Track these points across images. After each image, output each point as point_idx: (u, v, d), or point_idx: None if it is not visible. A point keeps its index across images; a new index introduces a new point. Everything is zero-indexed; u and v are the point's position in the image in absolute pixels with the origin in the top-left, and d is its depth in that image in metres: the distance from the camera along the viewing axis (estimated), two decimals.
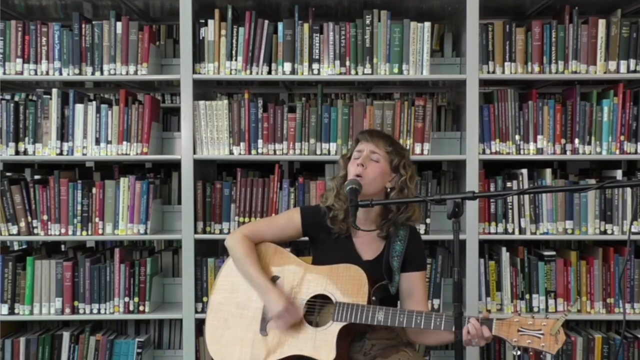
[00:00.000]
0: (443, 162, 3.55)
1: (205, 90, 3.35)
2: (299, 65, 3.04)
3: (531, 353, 3.08)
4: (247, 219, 3.06)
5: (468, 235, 3.01)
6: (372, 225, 2.34)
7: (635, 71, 3.03)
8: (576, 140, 3.05)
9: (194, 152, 3.05)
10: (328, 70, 3.03)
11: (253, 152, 3.06)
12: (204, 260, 3.09)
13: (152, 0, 3.28)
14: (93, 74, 3.06)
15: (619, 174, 3.08)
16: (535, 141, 3.05)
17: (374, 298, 2.23)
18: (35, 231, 3.06)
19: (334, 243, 2.37)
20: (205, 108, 3.05)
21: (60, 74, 3.07)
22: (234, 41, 3.05)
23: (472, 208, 2.99)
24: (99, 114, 3.06)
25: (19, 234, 3.06)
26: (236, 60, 3.05)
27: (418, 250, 2.37)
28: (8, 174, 3.44)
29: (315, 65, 3.03)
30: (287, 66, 3.04)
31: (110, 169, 3.46)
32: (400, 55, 3.01)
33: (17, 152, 3.07)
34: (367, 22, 3.01)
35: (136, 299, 3.05)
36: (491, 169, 3.23)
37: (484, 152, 3.05)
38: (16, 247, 3.55)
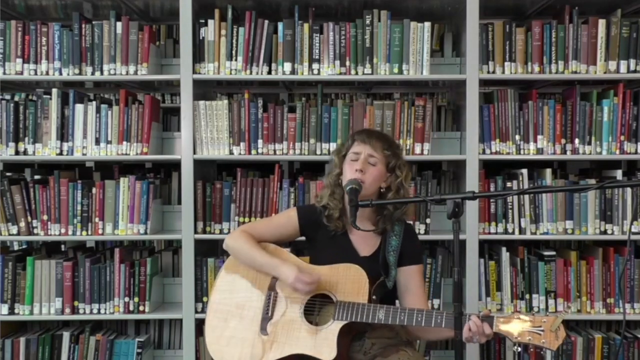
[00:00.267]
0: (443, 162, 3.56)
1: (205, 90, 3.35)
2: (299, 65, 3.04)
3: (531, 350, 3.08)
4: (247, 219, 3.06)
5: (468, 235, 3.01)
6: (367, 222, 2.37)
7: (635, 71, 3.03)
8: (576, 140, 3.05)
9: (194, 152, 3.05)
10: (328, 70, 3.03)
11: (253, 152, 3.06)
12: (204, 260, 3.09)
13: (152, 0, 3.28)
14: (93, 74, 3.06)
15: (619, 174, 3.09)
16: (535, 141, 3.05)
17: (374, 297, 2.24)
18: (35, 231, 3.06)
19: (331, 241, 2.38)
20: (205, 108, 3.05)
21: (60, 74, 3.07)
22: (234, 41, 3.05)
23: (472, 208, 2.99)
24: (99, 114, 3.06)
25: (19, 234, 3.06)
26: (236, 60, 3.05)
27: (414, 244, 2.40)
28: (8, 174, 3.44)
29: (315, 65, 3.03)
30: (287, 66, 3.04)
31: (110, 169, 3.46)
32: (400, 55, 3.01)
33: (17, 152, 3.07)
34: (367, 22, 3.01)
35: (136, 299, 3.05)
36: (491, 169, 3.23)
37: (484, 152, 3.05)
38: (16, 247, 3.55)
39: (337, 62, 3.03)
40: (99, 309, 3.05)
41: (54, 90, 3.06)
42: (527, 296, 3.07)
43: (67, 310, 3.03)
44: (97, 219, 3.05)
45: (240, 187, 3.07)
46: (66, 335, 3.09)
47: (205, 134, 3.05)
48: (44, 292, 3.04)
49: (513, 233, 3.06)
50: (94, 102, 3.06)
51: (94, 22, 3.06)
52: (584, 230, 3.04)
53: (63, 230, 3.05)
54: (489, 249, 3.25)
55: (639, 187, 2.99)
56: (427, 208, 3.05)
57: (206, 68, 3.06)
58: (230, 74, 3.05)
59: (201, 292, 3.07)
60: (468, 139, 3.02)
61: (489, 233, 3.06)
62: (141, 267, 3.05)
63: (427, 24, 3.01)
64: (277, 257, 2.31)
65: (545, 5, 3.25)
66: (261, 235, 2.41)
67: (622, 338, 3.08)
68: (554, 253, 3.11)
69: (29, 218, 3.06)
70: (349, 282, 2.24)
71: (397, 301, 2.43)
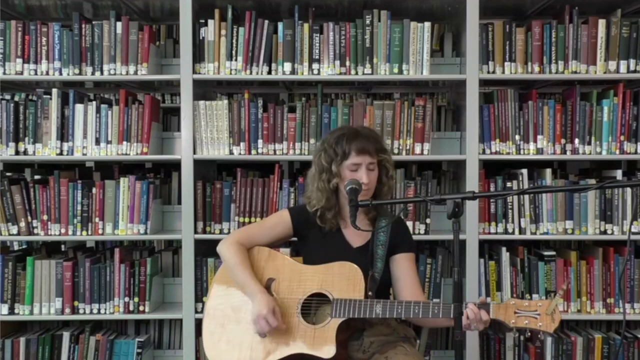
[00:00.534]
0: (443, 162, 3.55)
1: (205, 90, 3.35)
2: (299, 65, 3.04)
3: (531, 349, 3.08)
4: (247, 219, 3.06)
5: (468, 235, 3.01)
6: (362, 215, 2.41)
7: (635, 71, 3.03)
8: (576, 140, 3.05)
9: (194, 152, 3.05)
10: (328, 70, 3.03)
11: (253, 152, 3.06)
12: (204, 260, 3.09)
13: (152, 0, 3.27)
14: (93, 74, 3.06)
15: (619, 174, 3.08)
16: (535, 141, 3.05)
17: (370, 293, 2.27)
18: (35, 231, 3.06)
19: (324, 238, 2.41)
20: (205, 108, 3.05)
21: (60, 74, 3.07)
22: (234, 41, 3.05)
23: (472, 208, 2.99)
24: (99, 114, 3.06)
25: (19, 234, 3.06)
26: (236, 60, 3.05)
27: (403, 233, 2.44)
28: (8, 174, 3.44)
29: (315, 65, 3.03)
30: (287, 66, 3.04)
31: (110, 169, 3.46)
32: (400, 55, 3.01)
33: (17, 152, 3.07)
34: (367, 22, 3.01)
35: (136, 299, 3.05)
36: (491, 169, 3.23)
37: (484, 152, 3.05)
38: (16, 247, 3.55)
39: (337, 62, 3.03)
40: (99, 309, 3.05)
41: (54, 90, 3.06)
42: (527, 296, 3.07)
43: (67, 310, 3.03)
44: (97, 219, 3.05)
45: (240, 187, 3.07)
46: (66, 335, 3.09)
47: (205, 134, 3.05)
48: (44, 292, 3.04)
49: (513, 233, 3.06)
50: (94, 102, 3.06)
51: (94, 22, 3.06)
52: (584, 230, 3.04)
53: (63, 230, 3.05)
54: (489, 249, 3.25)
55: (639, 187, 2.99)
56: (427, 208, 3.05)
57: (206, 68, 3.06)
58: (230, 74, 3.05)
59: (201, 292, 3.07)
60: (468, 139, 3.02)
61: (489, 233, 3.06)
62: (141, 267, 3.05)
63: (427, 24, 3.01)
64: (256, 284, 2.27)
65: (545, 5, 3.25)
66: (255, 239, 2.41)
67: (622, 338, 3.08)
68: (554, 253, 3.11)
69: (29, 218, 3.06)
70: (344, 279, 2.25)
71: (390, 297, 2.45)
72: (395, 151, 3.03)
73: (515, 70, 3.04)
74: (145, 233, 3.06)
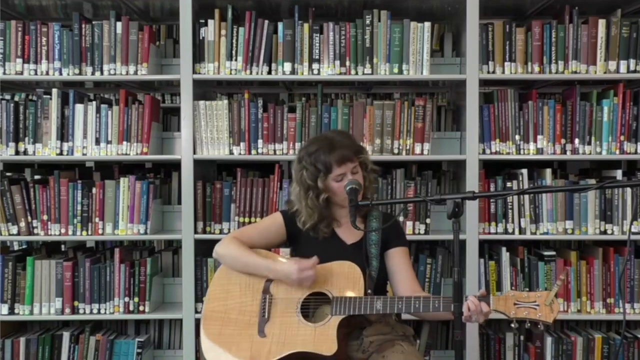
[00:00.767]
0: (443, 162, 3.55)
1: (205, 90, 3.35)
2: (299, 65, 3.04)
3: (531, 349, 3.08)
4: (247, 219, 3.06)
5: (468, 235, 3.01)
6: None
7: (635, 71, 3.03)
8: (576, 140, 3.05)
9: (194, 152, 3.05)
10: (328, 70, 3.03)
11: (253, 152, 3.06)
12: (204, 260, 3.09)
13: (152, 0, 3.28)
14: (93, 74, 3.07)
15: (619, 174, 3.08)
16: (535, 141, 3.05)
17: (369, 291, 2.28)
18: (35, 231, 3.06)
19: (318, 237, 2.41)
20: (205, 108, 3.05)
21: (60, 74, 3.07)
22: (234, 41, 3.05)
23: (472, 208, 2.99)
24: (99, 114, 3.06)
25: (19, 234, 3.06)
26: (236, 60, 3.05)
27: (394, 228, 2.44)
28: (8, 174, 3.44)
29: (315, 65, 3.03)
30: (287, 66, 3.04)
31: (110, 169, 3.46)
32: (400, 55, 3.01)
33: (17, 152, 3.07)
34: (367, 22, 3.01)
35: (136, 299, 3.05)
36: (491, 169, 3.23)
37: (484, 152, 3.05)
38: (16, 247, 3.55)
39: (337, 62, 3.03)
40: (99, 309, 3.05)
41: (54, 90, 3.06)
42: None
43: (67, 310, 3.03)
44: (97, 219, 3.05)
45: (240, 187, 3.07)
46: (66, 335, 3.09)
47: (205, 134, 3.05)
48: (44, 292, 3.04)
49: (513, 233, 3.06)
50: (94, 102, 3.06)
51: (94, 22, 3.07)
52: (584, 230, 3.04)
53: (63, 230, 3.05)
54: (489, 249, 3.25)
55: (639, 187, 2.99)
56: (427, 208, 3.05)
57: (206, 68, 3.06)
58: (230, 74, 3.05)
59: (201, 292, 3.07)
60: (468, 139, 3.02)
61: (489, 233, 3.06)
62: (141, 267, 3.05)
63: (427, 24, 3.01)
64: (267, 260, 2.32)
65: (545, 5, 3.25)
66: (251, 240, 2.41)
67: (622, 338, 3.08)
68: (554, 253, 3.11)
69: (29, 218, 3.06)
70: (343, 278, 2.26)
71: (387, 294, 2.46)
72: (395, 151, 3.03)
73: (515, 70, 3.04)
74: (145, 233, 3.06)
